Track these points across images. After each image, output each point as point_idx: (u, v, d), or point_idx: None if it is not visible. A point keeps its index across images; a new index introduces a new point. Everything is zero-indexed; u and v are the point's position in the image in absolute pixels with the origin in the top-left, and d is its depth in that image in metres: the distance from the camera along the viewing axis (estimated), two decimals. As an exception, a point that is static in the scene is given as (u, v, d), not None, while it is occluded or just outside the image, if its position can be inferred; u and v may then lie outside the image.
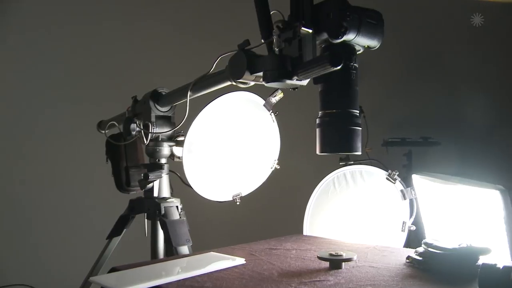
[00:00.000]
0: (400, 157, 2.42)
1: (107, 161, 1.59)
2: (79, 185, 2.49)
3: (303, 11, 0.89)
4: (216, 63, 1.13)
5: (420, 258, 0.99)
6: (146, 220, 1.44)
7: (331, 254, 1.01)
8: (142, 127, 1.36)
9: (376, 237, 1.40)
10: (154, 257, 1.42)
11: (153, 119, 1.38)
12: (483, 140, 2.48)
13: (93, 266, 1.51)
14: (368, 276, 0.92)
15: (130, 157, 1.58)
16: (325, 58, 0.81)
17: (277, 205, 2.53)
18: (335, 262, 0.99)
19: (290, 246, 1.25)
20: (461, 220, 1.19)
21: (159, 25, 2.67)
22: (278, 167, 1.44)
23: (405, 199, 1.38)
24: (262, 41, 0.96)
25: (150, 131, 1.36)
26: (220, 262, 1.04)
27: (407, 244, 1.35)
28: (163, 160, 1.42)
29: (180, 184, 1.40)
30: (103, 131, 1.61)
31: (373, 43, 0.92)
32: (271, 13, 0.96)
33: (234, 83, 1.06)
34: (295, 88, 0.99)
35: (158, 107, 1.40)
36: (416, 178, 1.35)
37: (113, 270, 1.00)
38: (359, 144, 0.94)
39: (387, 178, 1.41)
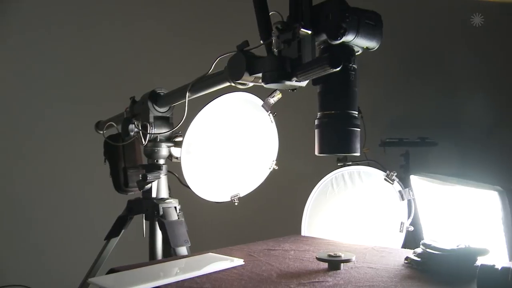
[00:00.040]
0: (398, 157, 2.42)
1: (105, 161, 1.59)
2: (77, 185, 2.49)
3: (302, 12, 0.89)
4: (215, 64, 1.13)
5: (419, 259, 0.99)
6: (144, 221, 1.44)
7: (329, 255, 1.01)
8: (140, 128, 1.36)
9: (374, 237, 1.40)
10: (152, 258, 1.42)
11: (151, 119, 1.38)
12: (481, 140, 2.49)
13: (91, 267, 1.50)
14: (367, 277, 0.93)
15: (128, 158, 1.57)
16: (325, 59, 0.81)
17: (275, 206, 2.53)
18: (334, 263, 1.00)
19: (288, 247, 1.25)
20: (459, 221, 1.19)
21: (159, 25, 2.67)
22: (277, 167, 1.44)
23: (403, 199, 1.38)
24: (261, 42, 0.96)
25: (148, 131, 1.36)
26: (219, 263, 1.04)
27: (405, 245, 1.35)
28: (161, 161, 1.42)
29: (178, 184, 1.40)
30: (101, 132, 1.61)
31: (372, 44, 0.92)
32: (270, 14, 0.96)
33: (233, 84, 1.06)
34: (294, 89, 0.99)
35: (157, 107, 1.39)
36: (414, 178, 1.35)
37: (111, 271, 1.00)
38: (358, 145, 0.94)
39: (385, 179, 1.41)
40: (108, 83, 2.51)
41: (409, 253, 1.05)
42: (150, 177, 1.35)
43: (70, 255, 2.31)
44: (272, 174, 1.45)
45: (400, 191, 1.39)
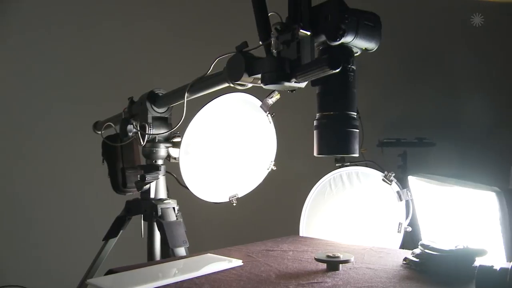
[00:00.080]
0: (395, 157, 2.43)
1: (103, 162, 1.59)
2: (76, 186, 2.49)
3: (301, 13, 0.89)
4: (214, 64, 1.13)
5: (417, 260, 0.99)
6: (142, 221, 1.44)
7: (328, 256, 1.01)
8: (139, 128, 1.36)
9: (372, 238, 1.40)
10: (150, 259, 1.42)
11: (149, 120, 1.38)
12: (481, 141, 2.49)
13: (89, 268, 1.50)
14: (365, 278, 0.93)
15: (126, 158, 1.57)
16: (324, 61, 0.81)
17: (274, 206, 2.53)
18: (333, 264, 1.00)
19: (287, 248, 1.25)
20: (457, 222, 1.19)
21: (159, 25, 2.67)
22: (275, 168, 1.44)
23: (401, 200, 1.38)
24: (260, 43, 0.96)
25: (146, 132, 1.36)
26: (217, 263, 1.04)
27: (402, 246, 1.36)
28: (159, 161, 1.42)
29: (176, 185, 1.40)
30: (99, 132, 1.61)
31: (371, 45, 0.92)
32: (269, 14, 0.96)
33: (232, 85, 1.06)
34: (293, 90, 0.99)
35: (155, 108, 1.39)
36: (412, 179, 1.35)
37: (110, 272, 1.00)
38: (356, 146, 0.94)
39: (383, 180, 1.42)
40: (108, 83, 2.51)
41: (408, 253, 1.05)
42: (148, 177, 1.35)
43: (68, 256, 2.31)
44: (271, 175, 1.45)
45: (398, 192, 1.39)
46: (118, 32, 2.62)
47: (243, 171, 1.43)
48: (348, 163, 1.72)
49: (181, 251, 1.32)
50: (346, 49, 0.91)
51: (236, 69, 1.01)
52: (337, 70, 0.81)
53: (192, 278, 0.93)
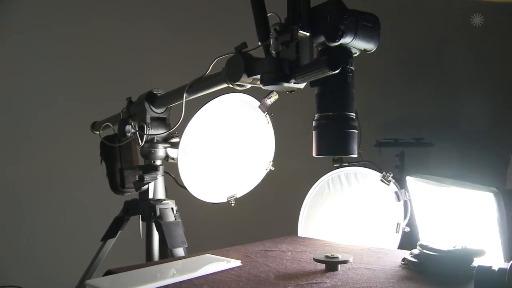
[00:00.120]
0: (393, 158, 2.43)
1: (102, 162, 1.59)
2: (74, 186, 2.48)
3: (300, 14, 0.89)
4: (212, 65, 1.13)
5: (416, 260, 0.99)
6: (141, 222, 1.43)
7: (327, 256, 1.01)
8: (137, 129, 1.35)
9: (370, 238, 1.40)
10: (149, 259, 1.42)
11: (148, 120, 1.38)
12: (477, 141, 2.50)
13: (87, 268, 1.50)
14: (364, 278, 0.93)
15: (125, 159, 1.57)
16: (323, 62, 0.82)
17: (272, 207, 2.53)
18: (331, 264, 1.00)
19: (285, 248, 1.25)
20: (455, 222, 1.20)
21: (158, 25, 2.67)
22: (273, 168, 1.44)
23: (399, 200, 1.38)
24: (259, 43, 0.96)
25: (145, 132, 1.36)
26: (216, 264, 1.04)
27: (400, 246, 1.36)
28: (158, 162, 1.42)
29: (174, 185, 1.40)
30: (97, 132, 1.60)
31: (370, 46, 0.93)
32: (268, 15, 0.96)
33: (231, 86, 1.07)
34: (292, 90, 0.99)
35: (154, 108, 1.39)
36: (410, 180, 1.35)
37: (108, 272, 0.99)
38: (355, 147, 0.94)
39: (381, 180, 1.42)
40: (108, 84, 2.50)
41: (406, 254, 1.05)
42: (147, 178, 1.35)
43: (66, 256, 2.31)
44: (269, 175, 1.45)
45: (396, 192, 1.39)
46: (118, 32, 2.62)
47: (241, 172, 1.43)
48: (346, 163, 1.72)
49: (180, 251, 1.32)
50: (345, 50, 0.92)
51: (235, 70, 1.01)
52: (337, 71, 0.81)
53: (191, 279, 0.93)
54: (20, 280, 2.18)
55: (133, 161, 1.58)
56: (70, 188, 2.47)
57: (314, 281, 0.91)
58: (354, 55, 0.94)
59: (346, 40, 0.87)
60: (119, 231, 1.49)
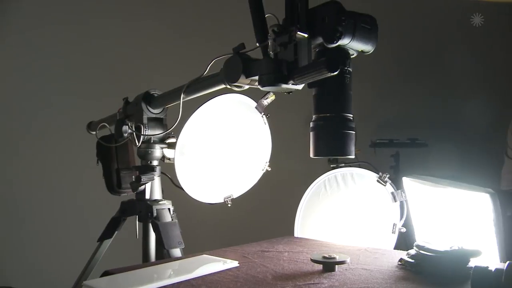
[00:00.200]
0: (388, 158, 2.44)
1: (98, 162, 1.58)
2: (70, 186, 2.47)
3: (298, 15, 0.90)
4: (210, 66, 1.13)
5: (412, 261, 1.00)
6: (137, 222, 1.43)
7: (324, 257, 1.01)
8: (134, 129, 1.35)
9: (366, 239, 1.41)
10: (145, 260, 1.42)
11: (145, 121, 1.37)
12: (479, 141, 2.51)
13: (83, 269, 1.49)
14: (361, 279, 0.93)
15: (121, 159, 1.57)
16: (322, 63, 0.82)
17: (268, 207, 2.53)
18: (329, 265, 1.00)
19: (282, 248, 1.25)
20: (451, 223, 1.20)
21: (158, 25, 2.67)
22: (270, 169, 1.45)
23: (395, 201, 1.39)
24: (257, 44, 0.96)
25: (142, 133, 1.36)
26: (213, 264, 1.04)
27: (396, 247, 1.37)
28: (155, 162, 1.41)
29: (171, 186, 1.40)
30: (93, 132, 1.60)
31: (367, 47, 0.93)
32: (265, 16, 0.96)
33: (228, 87, 1.07)
34: (289, 92, 0.99)
35: (150, 109, 1.39)
36: (406, 180, 1.36)
37: (105, 273, 0.99)
38: (352, 148, 0.95)
39: (377, 181, 1.42)
40: (108, 84, 2.50)
41: (403, 254, 1.05)
42: (144, 178, 1.35)
43: (62, 257, 2.30)
44: (265, 176, 1.45)
45: (392, 193, 1.40)
46: (117, 32, 2.62)
47: (238, 172, 1.43)
48: (342, 164, 1.72)
49: (177, 252, 1.32)
50: (343, 51, 0.92)
51: (233, 71, 1.01)
52: (335, 73, 0.82)
53: (188, 280, 0.93)
54: (15, 281, 2.18)
55: (129, 162, 1.58)
56: (67, 188, 2.46)
57: (312, 282, 0.91)
58: (351, 57, 0.94)
59: (344, 41, 0.87)
60: (116, 232, 1.49)
